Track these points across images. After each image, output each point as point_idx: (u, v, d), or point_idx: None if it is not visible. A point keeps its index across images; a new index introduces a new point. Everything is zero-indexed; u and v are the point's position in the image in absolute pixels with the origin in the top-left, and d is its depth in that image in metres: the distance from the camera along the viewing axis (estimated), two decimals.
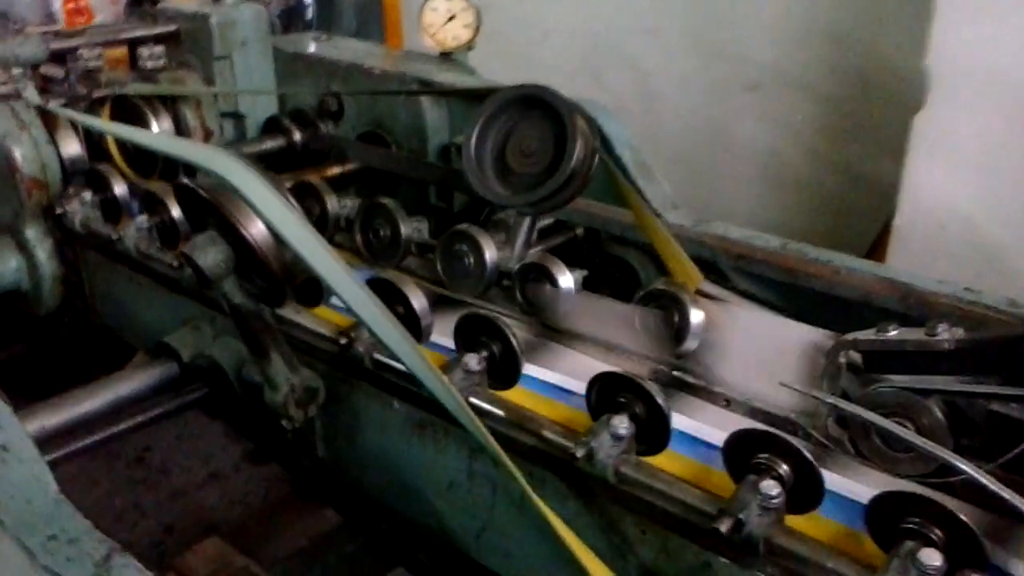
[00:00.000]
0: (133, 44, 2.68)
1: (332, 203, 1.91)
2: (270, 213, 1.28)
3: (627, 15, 3.91)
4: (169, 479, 3.42)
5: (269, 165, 2.69)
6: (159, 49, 2.35)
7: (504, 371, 1.43)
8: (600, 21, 3.96)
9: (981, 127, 2.62)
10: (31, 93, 2.25)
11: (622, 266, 2.26)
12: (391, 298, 1.52)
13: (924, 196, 2.78)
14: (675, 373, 1.49)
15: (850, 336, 1.31)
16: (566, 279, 1.62)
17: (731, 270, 2.04)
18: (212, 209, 1.34)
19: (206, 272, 1.37)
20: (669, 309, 1.51)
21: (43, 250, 2.04)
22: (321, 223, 1.93)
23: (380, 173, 2.60)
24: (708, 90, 3.76)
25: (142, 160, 2.30)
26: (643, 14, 3.85)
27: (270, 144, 2.70)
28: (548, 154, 1.78)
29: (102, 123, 1.83)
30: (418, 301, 1.50)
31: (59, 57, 2.45)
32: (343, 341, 1.52)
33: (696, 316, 1.49)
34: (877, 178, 3.27)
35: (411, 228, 1.83)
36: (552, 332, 1.63)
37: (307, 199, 1.94)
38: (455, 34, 2.82)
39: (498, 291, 1.75)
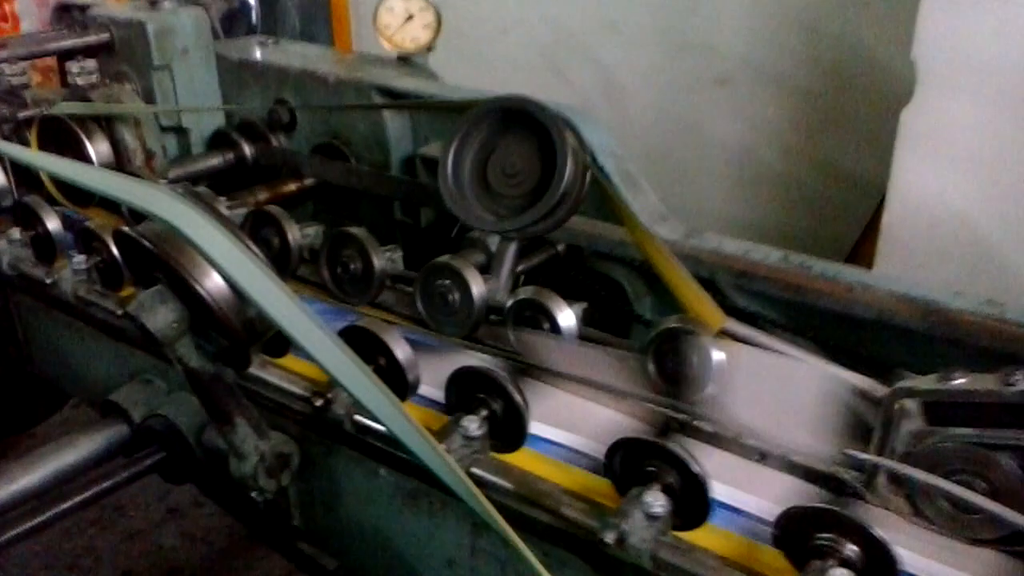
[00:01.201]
0: (62, 56, 2.46)
1: (294, 233, 1.71)
2: (227, 264, 1.09)
3: (588, 8, 3.76)
4: (125, 518, 3.21)
5: (218, 182, 2.49)
6: (90, 63, 2.13)
7: (508, 432, 1.25)
8: (560, 15, 3.81)
9: (974, 120, 2.49)
10: None
11: (608, 283, 2.11)
12: (371, 348, 1.34)
13: (913, 193, 2.65)
14: (696, 423, 1.32)
15: (906, 384, 1.15)
16: (566, 316, 1.44)
17: (731, 288, 1.90)
18: (160, 261, 1.14)
19: (156, 336, 1.17)
20: (686, 350, 1.34)
21: None
22: (283, 256, 1.73)
23: (340, 188, 2.40)
24: (675, 84, 3.62)
25: (78, 187, 2.07)
26: (604, 6, 3.70)
27: (217, 160, 2.49)
28: (535, 173, 1.61)
29: (24, 152, 1.61)
30: (402, 351, 1.32)
31: None
32: (318, 403, 1.33)
33: (718, 357, 1.32)
34: (858, 174, 3.15)
35: (384, 260, 1.64)
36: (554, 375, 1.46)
37: (265, 229, 1.75)
38: (413, 35, 2.63)
39: (486, 328, 1.57)
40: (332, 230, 1.74)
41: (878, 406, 1.18)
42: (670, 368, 1.34)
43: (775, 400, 1.25)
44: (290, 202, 2.48)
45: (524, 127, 1.62)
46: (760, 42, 3.35)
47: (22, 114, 2.04)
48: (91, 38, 2.53)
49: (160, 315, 1.17)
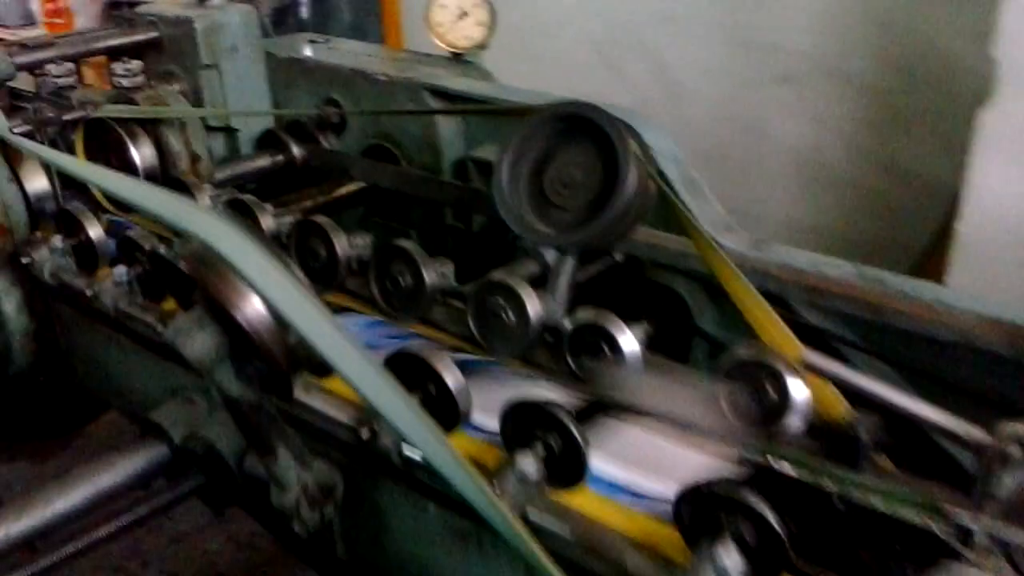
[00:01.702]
0: (110, 55, 2.41)
1: (342, 244, 1.64)
2: (267, 287, 1.01)
3: (644, 1, 3.65)
4: (171, 521, 3.17)
5: (266, 184, 2.44)
6: (135, 64, 2.07)
7: (566, 470, 1.16)
8: (615, 9, 3.70)
9: None
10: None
11: (669, 296, 2.01)
12: (420, 374, 1.26)
13: (990, 200, 2.51)
14: (772, 461, 1.22)
15: (1012, 429, 1.04)
16: (628, 341, 1.35)
17: (801, 304, 1.79)
18: (197, 284, 1.07)
19: (193, 363, 1.10)
20: (763, 384, 1.24)
21: (9, 303, 1.76)
22: (330, 268, 1.66)
23: (390, 192, 2.33)
24: (736, 81, 3.50)
25: None
26: (663, 0, 3.58)
27: (265, 162, 2.43)
28: (595, 184, 1.52)
29: (62, 158, 1.55)
30: (453, 378, 1.23)
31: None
32: (365, 435, 1.25)
33: (799, 391, 1.22)
34: (929, 177, 3.01)
35: (436, 274, 1.56)
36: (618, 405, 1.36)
37: (312, 239, 1.67)
38: (467, 33, 2.54)
39: (543, 349, 1.48)
40: (381, 242, 1.67)
41: (975, 452, 1.07)
42: (744, 402, 1.24)
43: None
44: (340, 206, 2.42)
45: (584, 134, 1.53)
46: (826, 37, 3.21)
47: (67, 116, 1.99)
48: (139, 36, 2.47)
49: (198, 341, 1.10)
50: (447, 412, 1.25)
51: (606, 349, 1.36)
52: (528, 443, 1.16)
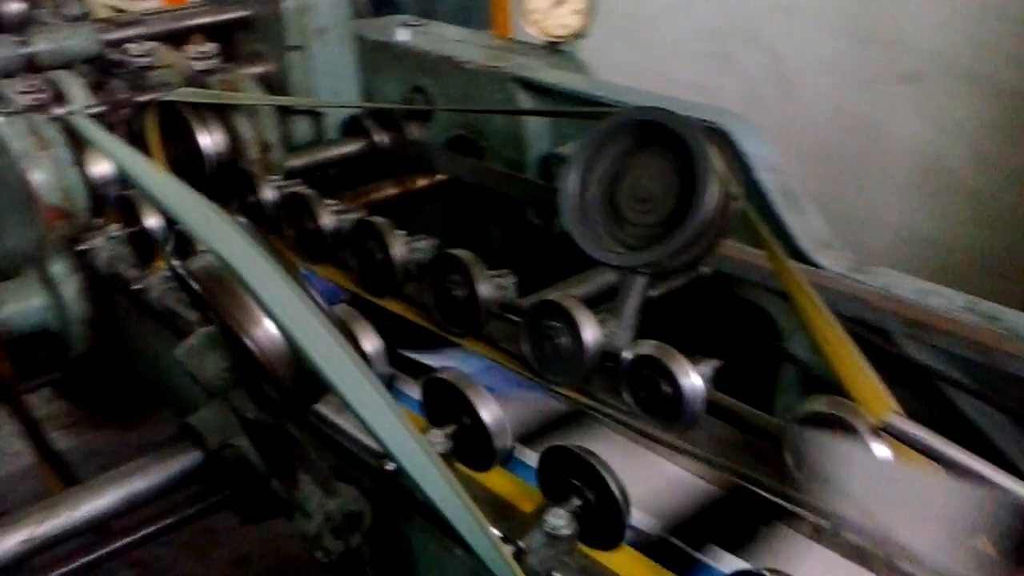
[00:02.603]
0: (200, 32, 2.37)
1: (398, 248, 1.54)
2: (280, 311, 0.93)
3: None
4: None
5: (348, 171, 2.37)
6: (210, 46, 2.01)
7: (604, 528, 1.04)
8: None
9: None
10: (81, 96, 1.94)
11: (757, 314, 1.86)
12: (454, 405, 1.15)
13: None
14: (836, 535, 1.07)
15: None
16: (691, 382, 1.21)
17: (903, 336, 1.62)
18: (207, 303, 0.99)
19: (205, 386, 1.02)
20: (834, 444, 1.09)
21: (70, 288, 1.73)
22: (385, 272, 1.57)
23: (471, 186, 2.23)
24: (855, 78, 3.31)
25: (194, 176, 1.97)
26: None
27: (349, 148, 2.36)
28: (672, 198, 1.38)
29: (108, 142, 1.49)
30: (489, 413, 1.12)
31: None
32: (390, 466, 1.15)
33: (874, 464, 1.06)
34: None
35: (492, 287, 1.45)
36: (670, 446, 1.23)
37: (369, 241, 1.58)
38: (563, 21, 2.42)
39: (602, 377, 1.35)
40: (453, 240, 1.56)
41: None
42: (811, 460, 1.10)
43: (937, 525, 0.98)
44: (420, 198, 2.33)
45: (662, 142, 1.39)
46: (955, 34, 2.99)
47: (140, 98, 1.95)
48: (229, 15, 2.43)
49: (210, 362, 1.02)
50: (481, 450, 1.14)
51: (666, 387, 1.22)
52: (563, 495, 1.04)
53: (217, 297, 0.97)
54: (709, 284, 1.84)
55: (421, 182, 2.31)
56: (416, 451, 0.94)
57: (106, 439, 3.13)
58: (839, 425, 1.09)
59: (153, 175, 1.25)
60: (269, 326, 0.97)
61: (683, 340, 1.27)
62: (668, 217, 1.38)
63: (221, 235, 1.00)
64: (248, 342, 0.97)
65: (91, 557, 1.34)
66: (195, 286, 0.98)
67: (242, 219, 1.04)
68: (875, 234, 2.95)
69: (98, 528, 1.36)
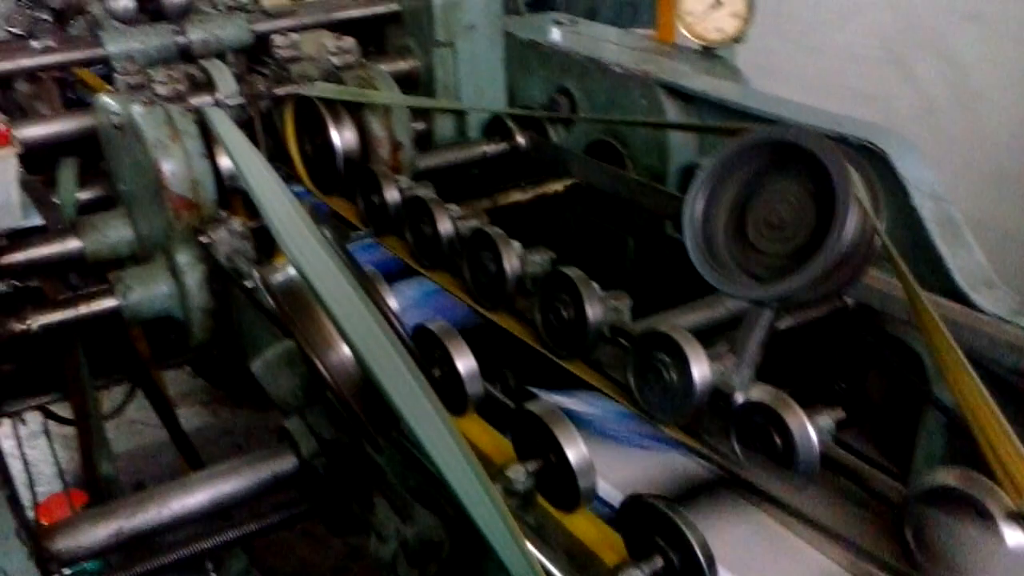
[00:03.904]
0: (351, 26, 2.37)
1: (511, 263, 1.47)
2: (356, 337, 0.88)
3: None
4: None
5: (487, 171, 2.33)
6: (348, 42, 1.99)
7: None
8: (912, 2, 3.29)
9: None
10: (228, 86, 1.97)
11: (904, 352, 1.69)
12: (540, 439, 1.07)
13: None
14: None
15: None
16: (805, 436, 1.09)
17: None
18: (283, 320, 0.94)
19: (278, 404, 0.98)
20: (961, 524, 0.95)
21: (192, 278, 1.75)
22: (497, 285, 1.50)
23: (609, 194, 2.14)
24: None
25: (326, 171, 1.96)
26: None
27: (489, 148, 2.31)
28: (807, 226, 1.25)
29: (231, 136, 1.48)
30: (576, 453, 1.04)
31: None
32: None
33: (1015, 540, 0.92)
34: None
35: (602, 310, 1.36)
36: (784, 508, 1.11)
37: (483, 251, 1.52)
38: (719, 25, 2.29)
39: (713, 418, 1.24)
40: (557, 263, 1.48)
41: None
42: (934, 543, 0.96)
43: None
44: (555, 203, 2.26)
45: (798, 164, 1.26)
46: None
47: (277, 91, 1.96)
48: (379, 8, 2.43)
49: (284, 379, 0.99)
50: (566, 491, 1.06)
51: (777, 439, 1.11)
52: (645, 554, 0.95)
53: (294, 315, 0.93)
54: (852, 316, 1.70)
55: (556, 186, 2.24)
56: (483, 500, 0.88)
57: (241, 419, 3.20)
58: (971, 505, 0.95)
59: (263, 178, 1.23)
60: (344, 350, 0.92)
61: (818, 373, 1.15)
62: (801, 247, 1.26)
63: (308, 252, 0.96)
64: (320, 366, 0.92)
65: (167, 559, 1.34)
66: (271, 302, 0.94)
67: (327, 232, 0.99)
68: None
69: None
